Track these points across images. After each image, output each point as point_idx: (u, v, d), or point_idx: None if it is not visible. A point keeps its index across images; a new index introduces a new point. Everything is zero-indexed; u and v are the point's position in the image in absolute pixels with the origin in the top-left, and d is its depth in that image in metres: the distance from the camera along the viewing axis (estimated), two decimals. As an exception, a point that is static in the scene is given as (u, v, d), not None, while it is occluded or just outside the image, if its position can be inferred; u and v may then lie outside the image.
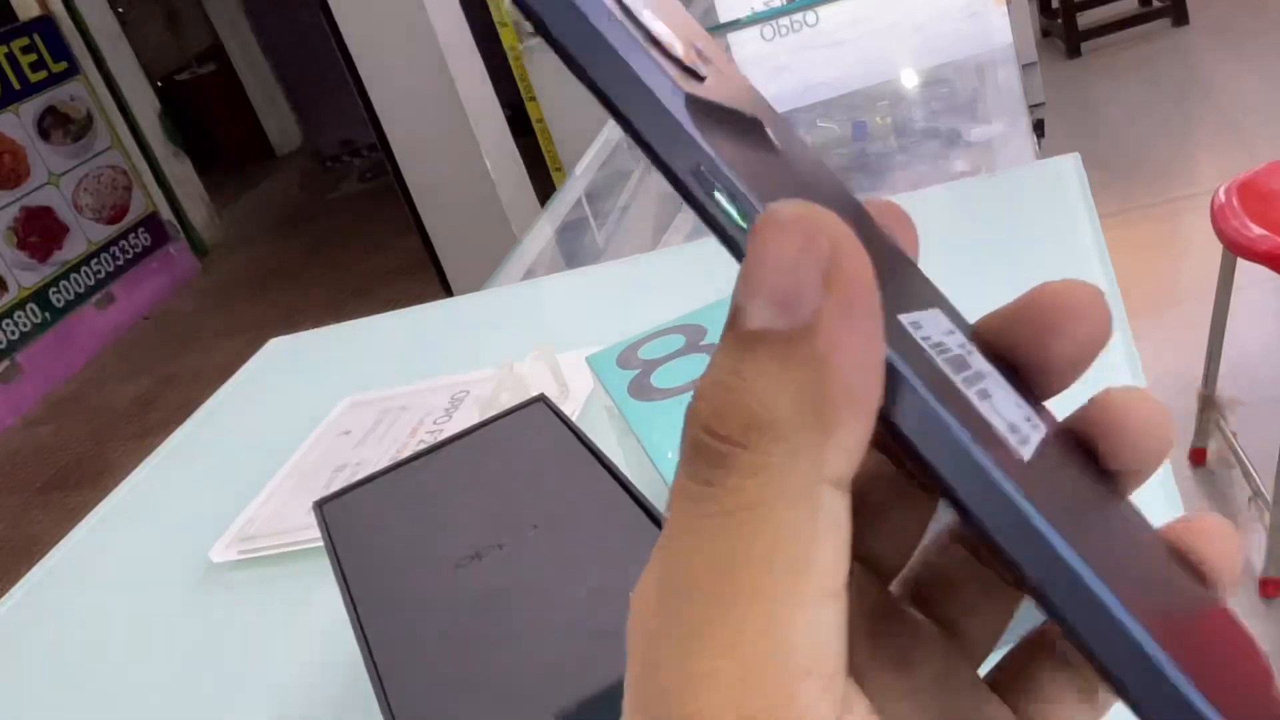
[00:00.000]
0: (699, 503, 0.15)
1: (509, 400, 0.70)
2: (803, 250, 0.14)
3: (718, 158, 0.15)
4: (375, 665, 0.44)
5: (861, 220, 0.19)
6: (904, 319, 0.16)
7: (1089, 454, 0.18)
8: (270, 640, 0.61)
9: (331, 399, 0.83)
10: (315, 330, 1.00)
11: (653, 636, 0.15)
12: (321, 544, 0.68)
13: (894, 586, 0.21)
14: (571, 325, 0.86)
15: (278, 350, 0.99)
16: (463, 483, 0.53)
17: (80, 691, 0.62)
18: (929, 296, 0.18)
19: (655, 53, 0.15)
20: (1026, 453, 0.16)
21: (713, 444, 0.15)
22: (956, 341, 0.17)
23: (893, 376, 0.15)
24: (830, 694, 0.14)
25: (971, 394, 0.16)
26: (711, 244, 1.08)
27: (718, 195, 0.15)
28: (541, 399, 0.56)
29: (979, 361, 0.17)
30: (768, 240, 0.14)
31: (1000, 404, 0.16)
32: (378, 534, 0.51)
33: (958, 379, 0.16)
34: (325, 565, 0.67)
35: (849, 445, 0.15)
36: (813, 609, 0.14)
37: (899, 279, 0.18)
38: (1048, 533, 0.14)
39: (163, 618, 0.66)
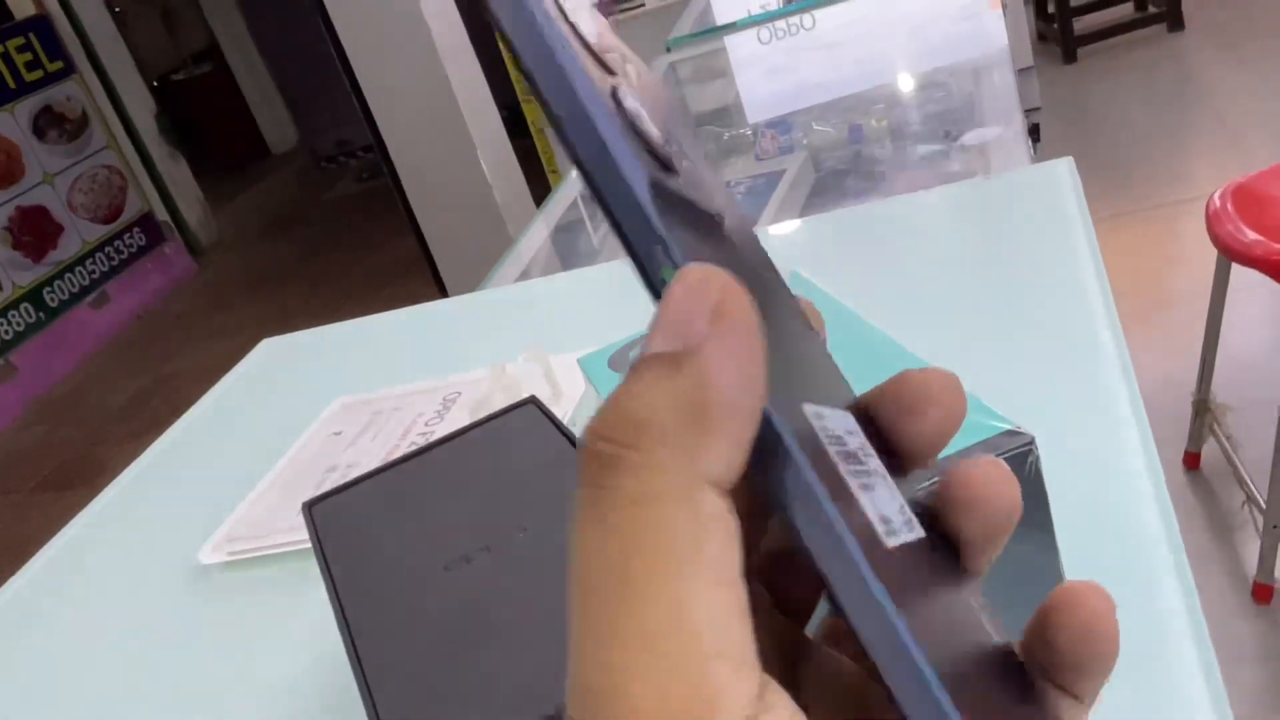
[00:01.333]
0: (594, 507, 0.16)
1: (501, 402, 0.70)
2: (696, 294, 0.16)
3: (672, 242, 0.17)
4: (361, 667, 0.44)
5: (789, 311, 0.21)
6: (809, 408, 0.18)
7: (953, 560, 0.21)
8: (258, 642, 0.60)
9: (323, 400, 0.83)
10: (307, 331, 1.00)
11: (573, 637, 0.16)
12: (309, 546, 0.68)
13: (812, 629, 0.22)
14: (564, 327, 0.86)
15: (270, 351, 0.99)
16: (452, 485, 0.53)
17: (68, 692, 0.62)
18: (843, 400, 0.21)
19: (635, 139, 0.18)
20: (892, 542, 0.17)
21: (605, 449, 0.16)
22: (857, 443, 0.19)
23: (782, 449, 0.17)
24: (743, 676, 0.15)
25: (853, 483, 0.18)
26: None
27: (664, 274, 0.17)
28: (532, 400, 0.56)
29: (874, 464, 0.19)
30: (673, 290, 0.17)
31: (880, 498, 0.18)
32: (366, 536, 0.51)
33: (844, 468, 0.18)
34: (315, 567, 0.66)
35: (725, 449, 0.16)
36: (709, 595, 0.15)
37: (818, 375, 0.21)
38: (883, 601, 0.16)
39: (151, 619, 0.66)
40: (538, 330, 0.87)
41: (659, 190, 0.17)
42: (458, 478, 0.53)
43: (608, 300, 0.88)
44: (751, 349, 0.16)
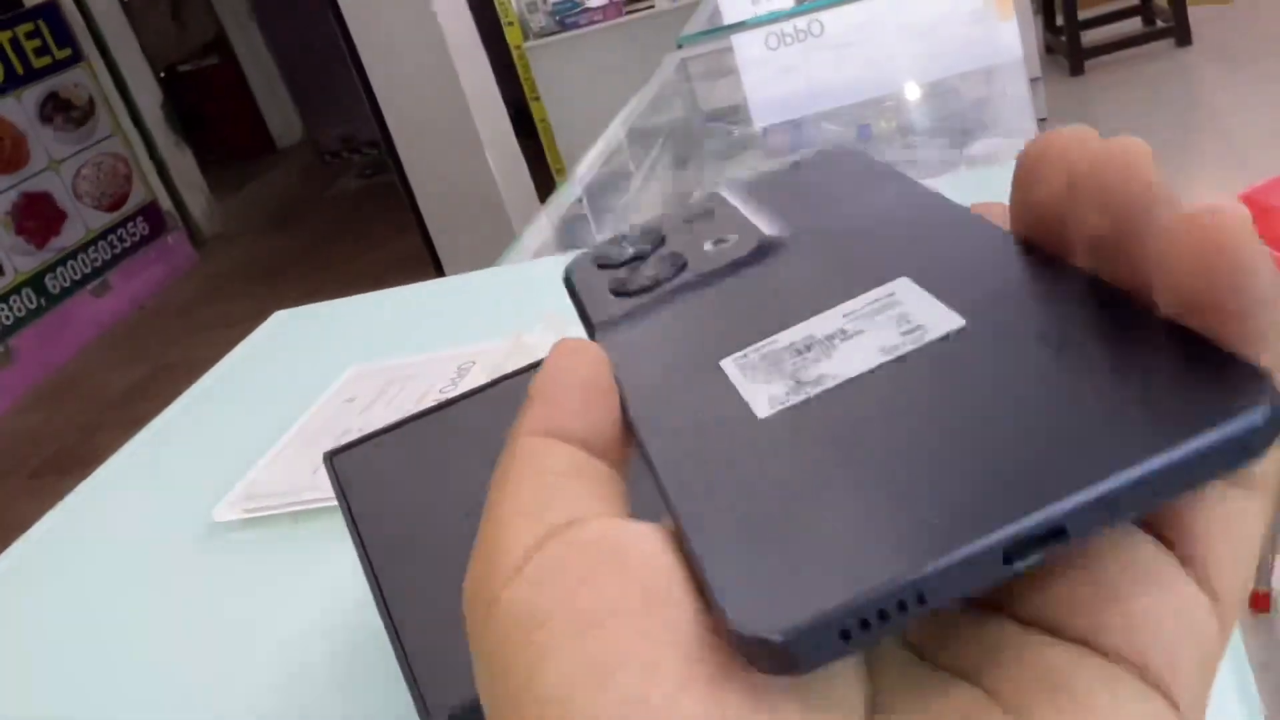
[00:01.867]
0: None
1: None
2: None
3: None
4: (390, 613, 0.44)
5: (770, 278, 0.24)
6: (727, 361, 0.21)
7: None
8: (273, 598, 0.60)
9: (337, 369, 0.83)
10: (321, 303, 1.00)
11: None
12: (325, 505, 0.68)
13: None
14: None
15: (284, 322, 0.99)
16: (474, 437, 0.53)
17: (84, 648, 0.62)
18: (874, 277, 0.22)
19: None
20: (761, 412, 0.19)
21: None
22: (825, 330, 0.21)
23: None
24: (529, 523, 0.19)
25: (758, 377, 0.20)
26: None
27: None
28: None
29: (840, 336, 0.21)
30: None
31: (838, 358, 0.20)
32: (388, 485, 0.51)
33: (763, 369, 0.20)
34: (330, 524, 0.66)
35: (541, 413, 0.20)
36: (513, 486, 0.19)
37: (789, 306, 0.22)
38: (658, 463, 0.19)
39: (165, 575, 0.66)
40: (553, 306, 0.87)
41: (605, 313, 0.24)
42: (480, 430, 0.53)
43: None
44: (583, 364, 0.21)
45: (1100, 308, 0.18)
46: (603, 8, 3.63)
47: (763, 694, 0.16)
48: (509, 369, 0.71)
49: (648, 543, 0.17)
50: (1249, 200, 1.78)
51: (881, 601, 0.15)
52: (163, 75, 5.54)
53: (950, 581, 0.15)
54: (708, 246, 0.25)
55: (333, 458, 0.53)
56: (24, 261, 4.26)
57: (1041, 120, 3.53)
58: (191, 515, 0.68)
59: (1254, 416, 0.15)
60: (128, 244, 4.76)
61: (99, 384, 4.08)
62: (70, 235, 4.48)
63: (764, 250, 0.24)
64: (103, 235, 4.63)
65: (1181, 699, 0.16)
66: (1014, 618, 0.18)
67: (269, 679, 0.54)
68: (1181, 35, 4.01)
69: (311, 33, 5.50)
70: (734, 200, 0.27)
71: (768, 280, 0.24)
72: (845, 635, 0.15)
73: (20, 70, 4.40)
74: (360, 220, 5.01)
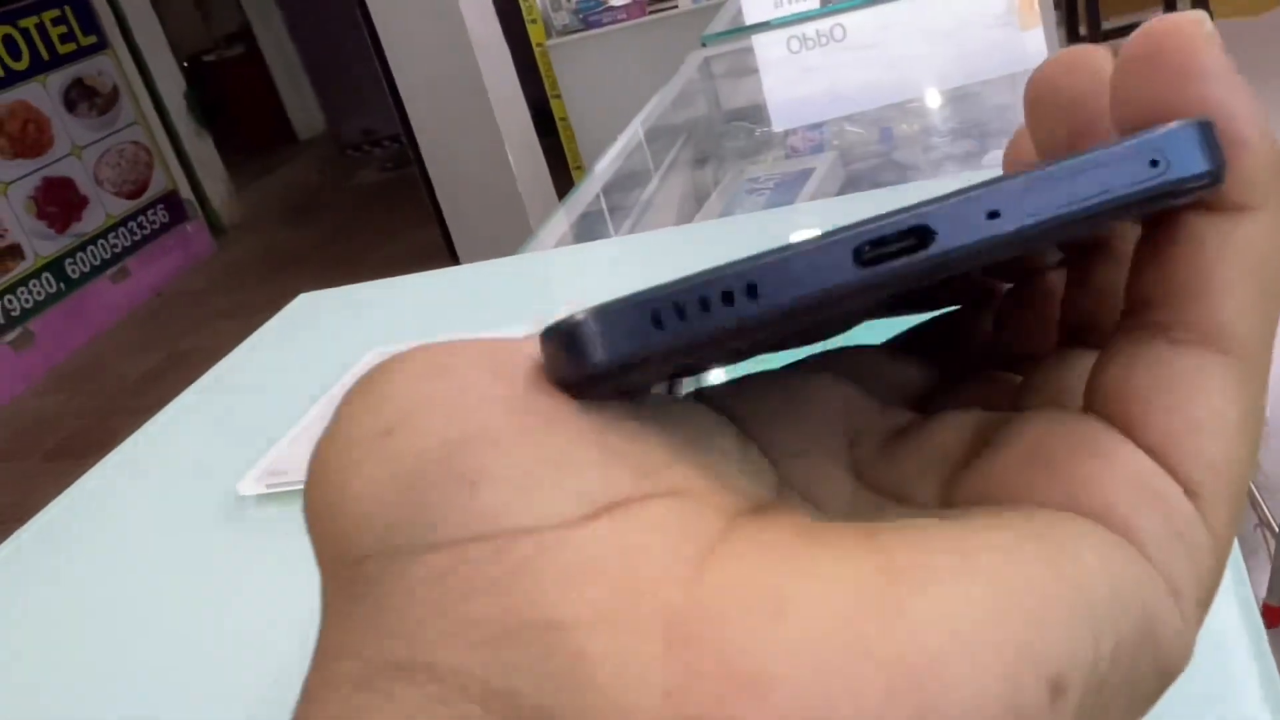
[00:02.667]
0: None
1: (540, 354, 0.71)
2: None
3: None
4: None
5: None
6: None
7: None
8: (297, 571, 0.61)
9: (359, 351, 0.84)
10: (344, 287, 1.01)
11: None
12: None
13: None
14: (600, 293, 0.86)
15: (307, 304, 1.00)
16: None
17: (108, 621, 0.63)
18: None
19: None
20: None
21: None
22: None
23: None
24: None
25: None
26: (739, 222, 1.07)
27: None
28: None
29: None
30: None
31: None
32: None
33: None
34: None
35: None
36: None
37: None
38: None
39: (189, 548, 0.67)
40: (573, 294, 0.88)
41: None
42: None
43: (645, 269, 0.89)
44: None
45: None
46: (625, 6, 3.63)
47: (617, 411, 0.15)
48: (532, 354, 0.72)
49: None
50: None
51: (702, 289, 0.13)
52: (186, 64, 5.57)
53: (788, 277, 0.13)
54: None
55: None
56: (45, 246, 4.29)
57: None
58: (215, 490, 0.69)
59: (1156, 133, 0.14)
60: (147, 231, 4.78)
61: (116, 369, 4.10)
62: (91, 221, 4.51)
63: None
64: (123, 222, 4.66)
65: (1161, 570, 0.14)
66: (951, 504, 0.16)
67: (293, 649, 0.55)
68: (1205, 48, 4.00)
69: (335, 25, 5.52)
70: None
71: None
72: (657, 320, 0.14)
73: (46, 56, 4.43)
74: (379, 213, 5.03)
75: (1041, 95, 0.18)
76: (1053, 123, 0.17)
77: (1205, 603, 0.15)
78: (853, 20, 2.25)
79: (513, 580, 0.13)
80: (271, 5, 6.19)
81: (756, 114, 2.03)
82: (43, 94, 4.39)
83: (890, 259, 0.13)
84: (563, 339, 0.14)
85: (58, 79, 4.47)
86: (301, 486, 0.62)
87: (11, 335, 4.09)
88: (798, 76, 2.23)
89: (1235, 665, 0.41)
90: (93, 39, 4.66)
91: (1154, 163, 0.14)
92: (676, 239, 1.01)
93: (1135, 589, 0.14)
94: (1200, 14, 0.15)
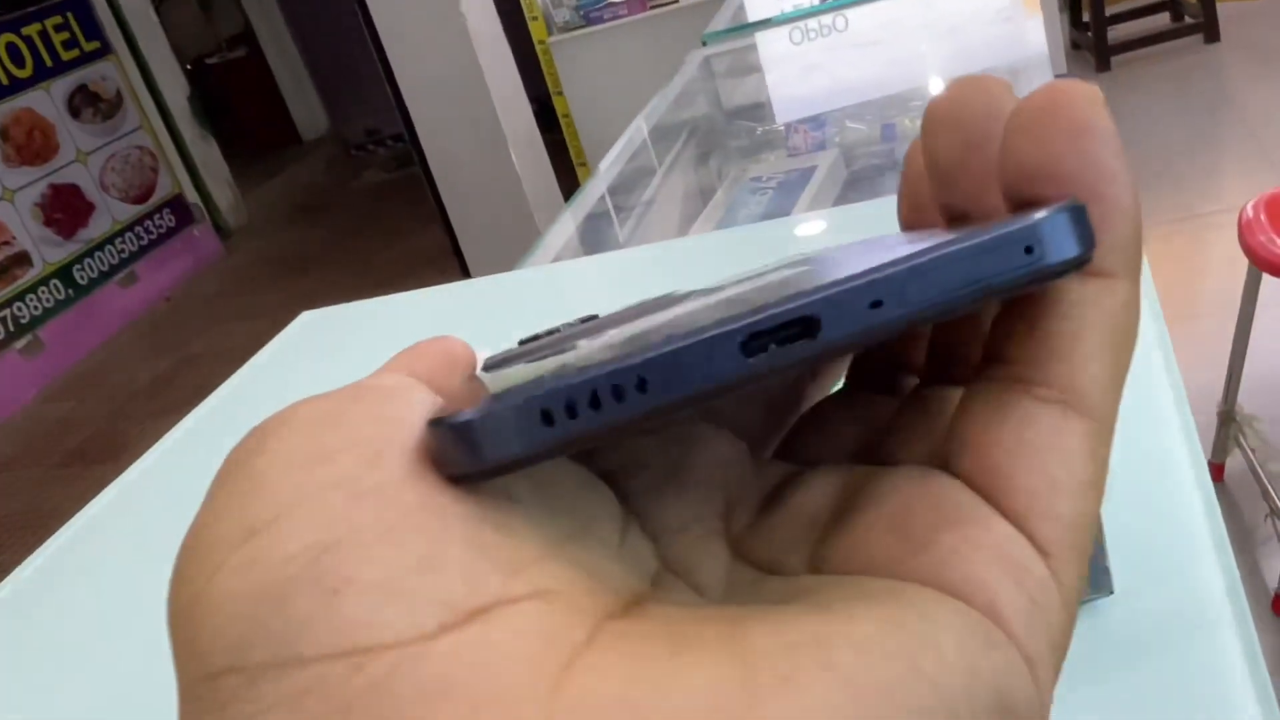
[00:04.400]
0: None
1: (540, 375, 0.71)
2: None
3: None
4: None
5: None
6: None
7: None
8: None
9: (362, 371, 0.84)
10: (345, 305, 1.01)
11: None
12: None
13: None
14: (600, 309, 0.86)
15: (309, 323, 1.00)
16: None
17: (111, 647, 0.63)
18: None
19: None
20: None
21: None
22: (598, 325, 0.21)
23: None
24: None
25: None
26: (739, 233, 1.07)
27: None
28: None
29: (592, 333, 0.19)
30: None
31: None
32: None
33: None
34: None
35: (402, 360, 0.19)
36: None
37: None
38: None
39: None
40: (573, 311, 0.88)
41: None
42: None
43: (644, 282, 0.89)
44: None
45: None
46: (626, 2, 3.63)
47: (493, 500, 0.15)
48: (531, 375, 0.72)
49: (409, 389, 0.17)
50: (1278, 200, 1.77)
51: (594, 383, 0.13)
52: (189, 68, 5.58)
53: (679, 367, 0.13)
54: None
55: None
56: (52, 252, 4.31)
57: (1067, 117, 3.51)
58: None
59: (1031, 219, 0.14)
60: (154, 236, 4.80)
61: (125, 374, 4.12)
62: (98, 227, 4.52)
63: (668, 299, 0.23)
64: (130, 227, 4.67)
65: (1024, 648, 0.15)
66: (820, 571, 0.17)
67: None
68: (1210, 31, 3.97)
69: (337, 25, 5.52)
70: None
71: (651, 311, 0.22)
72: (548, 418, 0.13)
73: (49, 63, 4.44)
74: (385, 213, 5.04)
75: (939, 115, 0.18)
76: (945, 143, 0.18)
77: (1058, 660, 0.16)
78: (854, 13, 2.24)
79: (369, 701, 0.13)
80: (273, 6, 6.19)
81: (759, 112, 2.03)
82: (47, 101, 4.40)
83: (776, 346, 0.14)
84: (450, 435, 0.14)
85: (62, 85, 4.48)
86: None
87: (21, 343, 4.11)
88: (799, 73, 2.22)
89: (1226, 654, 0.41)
90: (96, 45, 4.67)
91: (1029, 249, 0.14)
92: (684, 249, 1.01)
93: (992, 673, 0.14)
94: (1093, 87, 0.16)
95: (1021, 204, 0.16)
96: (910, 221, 0.20)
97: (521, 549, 0.15)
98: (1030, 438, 0.16)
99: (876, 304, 0.14)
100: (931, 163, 0.18)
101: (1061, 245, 0.14)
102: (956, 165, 0.17)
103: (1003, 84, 0.18)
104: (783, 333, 0.14)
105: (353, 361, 0.87)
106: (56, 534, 0.75)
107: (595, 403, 0.13)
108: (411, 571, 0.14)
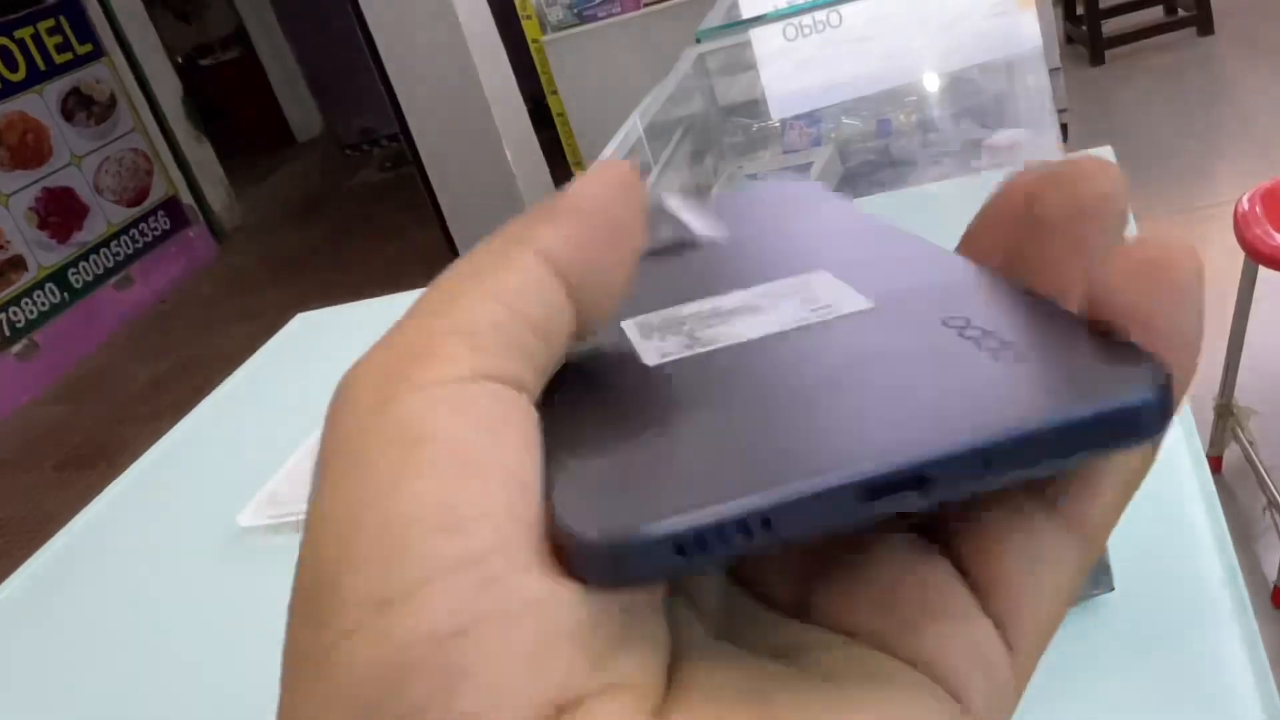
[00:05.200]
0: None
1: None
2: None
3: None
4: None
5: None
6: (626, 323, 0.21)
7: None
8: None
9: (358, 373, 0.84)
10: (340, 306, 1.01)
11: None
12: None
13: None
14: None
15: (304, 324, 1.00)
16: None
17: (109, 652, 0.63)
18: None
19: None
20: (649, 361, 0.19)
21: None
22: (700, 310, 0.21)
23: None
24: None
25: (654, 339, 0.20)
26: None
27: None
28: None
29: (712, 316, 0.20)
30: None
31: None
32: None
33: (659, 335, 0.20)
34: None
35: (560, 238, 0.18)
36: (472, 304, 0.18)
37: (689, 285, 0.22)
38: None
39: (191, 581, 0.67)
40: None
41: None
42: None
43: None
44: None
45: (1014, 303, 0.18)
46: (620, 0, 3.62)
47: (606, 601, 0.16)
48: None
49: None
50: (1274, 192, 1.77)
51: (725, 521, 0.14)
52: (180, 62, 5.57)
53: (802, 512, 0.15)
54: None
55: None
56: (47, 256, 4.30)
57: (1061, 110, 3.52)
58: (217, 521, 0.70)
59: (1137, 394, 0.15)
60: (149, 238, 4.79)
61: (122, 377, 4.11)
62: (92, 229, 4.51)
63: (693, 247, 0.24)
64: (124, 229, 4.67)
65: None
66: (808, 616, 0.18)
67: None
68: (1204, 24, 3.98)
69: (330, 25, 5.51)
70: (677, 209, 0.26)
71: (693, 269, 0.24)
72: (681, 550, 0.14)
73: (42, 66, 4.43)
74: (381, 212, 5.03)
75: (1071, 174, 0.18)
76: (1057, 201, 0.18)
77: None
78: (848, 9, 2.24)
79: None
80: (265, 7, 6.18)
81: (753, 109, 2.02)
82: (40, 104, 4.39)
83: (891, 495, 0.15)
84: (580, 548, 0.15)
85: (55, 88, 4.47)
86: (300, 516, 0.62)
87: (17, 346, 4.10)
88: (794, 69, 2.22)
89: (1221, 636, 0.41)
90: (89, 47, 4.66)
91: (1132, 425, 0.15)
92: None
93: None
94: (1197, 255, 0.17)
95: (1098, 317, 0.17)
96: (972, 235, 0.21)
97: (602, 638, 0.15)
98: (1036, 551, 0.17)
99: (988, 463, 0.15)
100: (1032, 211, 0.18)
101: (1157, 423, 0.15)
102: (1058, 227, 0.18)
103: (1095, 179, 0.18)
104: (899, 488, 0.15)
105: (346, 365, 0.86)
106: (53, 539, 0.75)
107: (723, 536, 0.14)
108: (524, 667, 0.14)
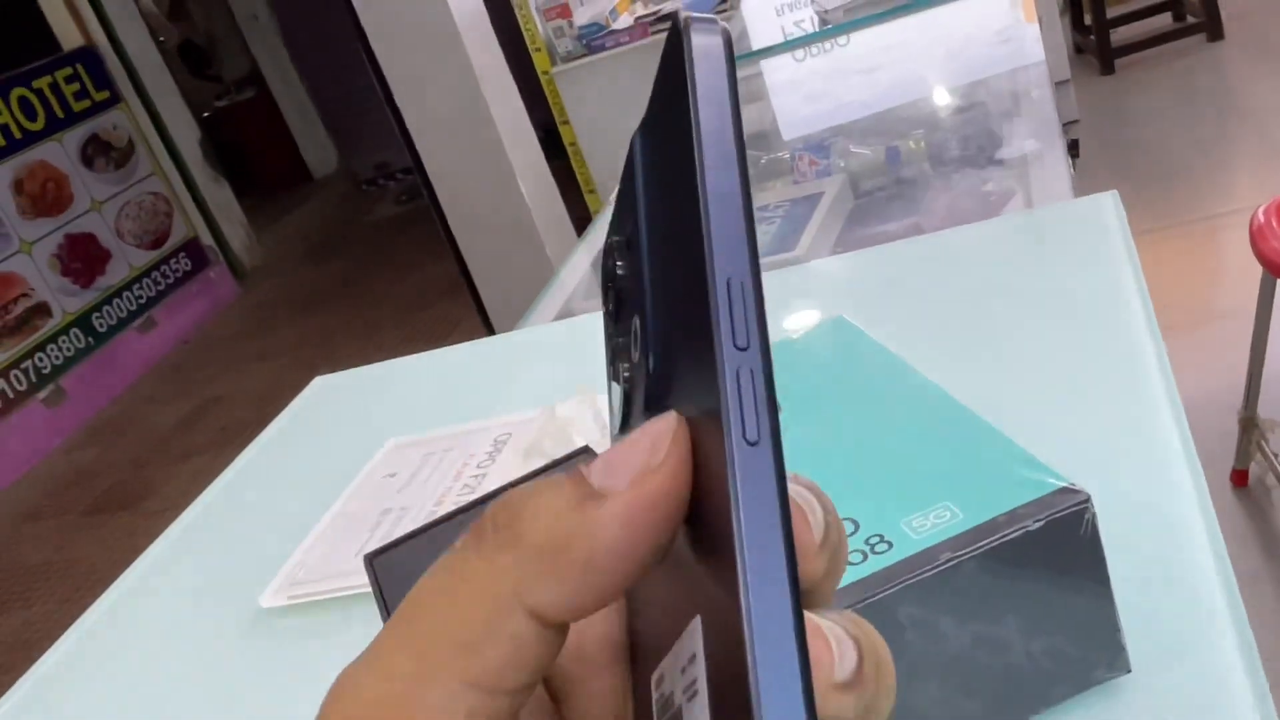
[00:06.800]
0: (453, 555, 0.18)
1: (551, 445, 0.71)
2: (652, 447, 0.17)
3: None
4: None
5: None
6: (653, 679, 0.18)
7: None
8: (322, 685, 0.62)
9: (375, 438, 0.84)
10: (358, 369, 1.02)
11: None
12: (369, 590, 0.69)
13: None
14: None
15: (322, 388, 1.01)
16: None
17: (136, 735, 0.63)
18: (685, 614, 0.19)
19: None
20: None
21: (484, 522, 0.18)
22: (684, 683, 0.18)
23: None
24: None
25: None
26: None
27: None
28: (586, 450, 0.57)
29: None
30: (648, 430, 0.17)
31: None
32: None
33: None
34: (375, 610, 0.68)
35: (559, 595, 0.17)
36: (450, 686, 0.17)
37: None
38: None
39: (215, 664, 0.68)
40: (586, 366, 0.89)
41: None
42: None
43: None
44: (649, 529, 0.17)
45: None
46: (628, 29, 3.64)
47: None
48: (543, 443, 0.72)
49: None
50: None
51: None
52: (204, 114, 5.63)
53: None
54: None
55: (373, 559, 0.55)
56: (71, 302, 4.35)
57: (1073, 122, 3.51)
58: (239, 601, 0.70)
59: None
60: (171, 280, 4.84)
61: (149, 419, 4.15)
62: (115, 274, 4.56)
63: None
64: (146, 273, 4.71)
65: None
66: None
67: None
68: (1213, 30, 3.96)
69: (343, 62, 5.56)
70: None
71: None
72: None
73: (61, 114, 4.49)
74: (398, 246, 5.06)
75: None
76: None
77: None
78: (856, 37, 2.25)
79: None
80: (279, 47, 6.24)
81: (763, 140, 2.03)
82: (60, 152, 4.45)
83: None
84: None
85: (74, 136, 4.53)
86: (322, 596, 0.62)
87: (44, 393, 4.14)
88: (802, 100, 2.23)
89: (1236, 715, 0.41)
90: (106, 94, 4.71)
91: None
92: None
93: None
94: None
95: None
96: None
97: None
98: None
99: None
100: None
101: None
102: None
103: None
104: None
105: (367, 430, 0.87)
106: (76, 623, 0.75)
107: None
108: None
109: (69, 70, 4.55)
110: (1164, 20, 4.19)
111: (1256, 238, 1.72)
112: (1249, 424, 1.90)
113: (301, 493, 0.81)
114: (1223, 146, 3.30)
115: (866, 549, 0.42)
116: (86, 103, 4.61)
